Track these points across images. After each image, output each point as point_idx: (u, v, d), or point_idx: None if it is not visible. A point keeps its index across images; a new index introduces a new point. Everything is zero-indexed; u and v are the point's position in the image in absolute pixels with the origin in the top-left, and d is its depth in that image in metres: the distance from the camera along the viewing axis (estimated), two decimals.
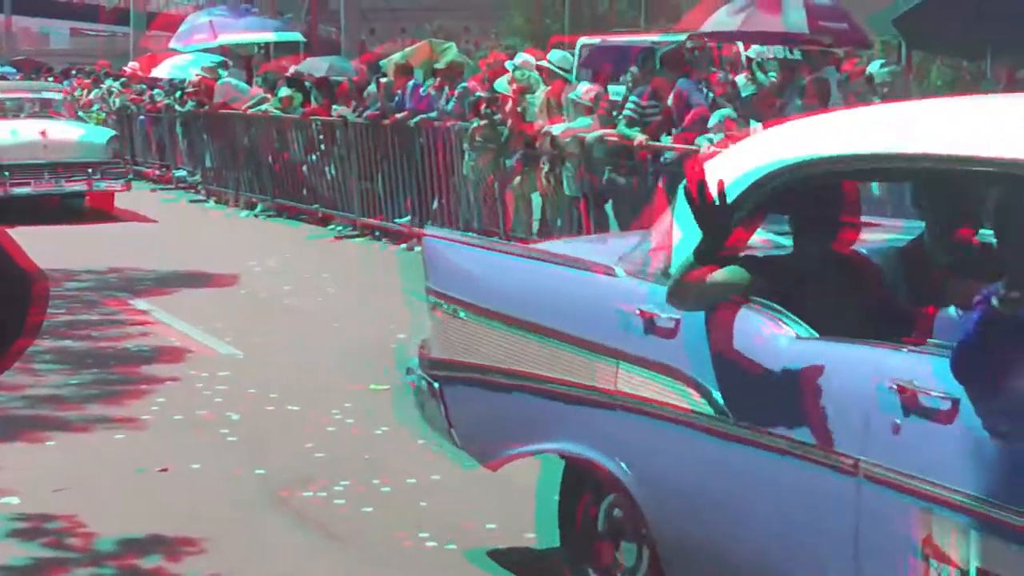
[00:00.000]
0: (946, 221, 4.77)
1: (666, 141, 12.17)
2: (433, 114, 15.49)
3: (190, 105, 22.21)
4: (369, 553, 6.22)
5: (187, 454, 7.67)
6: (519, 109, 13.87)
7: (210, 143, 21.82)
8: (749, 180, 4.42)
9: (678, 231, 4.66)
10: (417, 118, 15.71)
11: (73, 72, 33.54)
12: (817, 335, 4.20)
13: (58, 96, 22.17)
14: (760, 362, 4.24)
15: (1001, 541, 3.54)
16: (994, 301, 3.49)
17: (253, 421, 8.40)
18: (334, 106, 17.82)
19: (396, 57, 18.19)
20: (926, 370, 3.77)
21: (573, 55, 17.82)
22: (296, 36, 29.81)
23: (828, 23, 16.11)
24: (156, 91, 25.34)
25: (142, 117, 25.42)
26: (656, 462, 4.69)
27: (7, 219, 3.00)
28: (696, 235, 4.36)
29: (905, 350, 3.96)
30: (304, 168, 18.64)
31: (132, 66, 31.98)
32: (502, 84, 14.54)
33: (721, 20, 15.59)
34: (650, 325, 4.65)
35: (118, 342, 10.76)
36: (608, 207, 12.93)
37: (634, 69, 13.90)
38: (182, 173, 23.35)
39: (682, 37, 15.59)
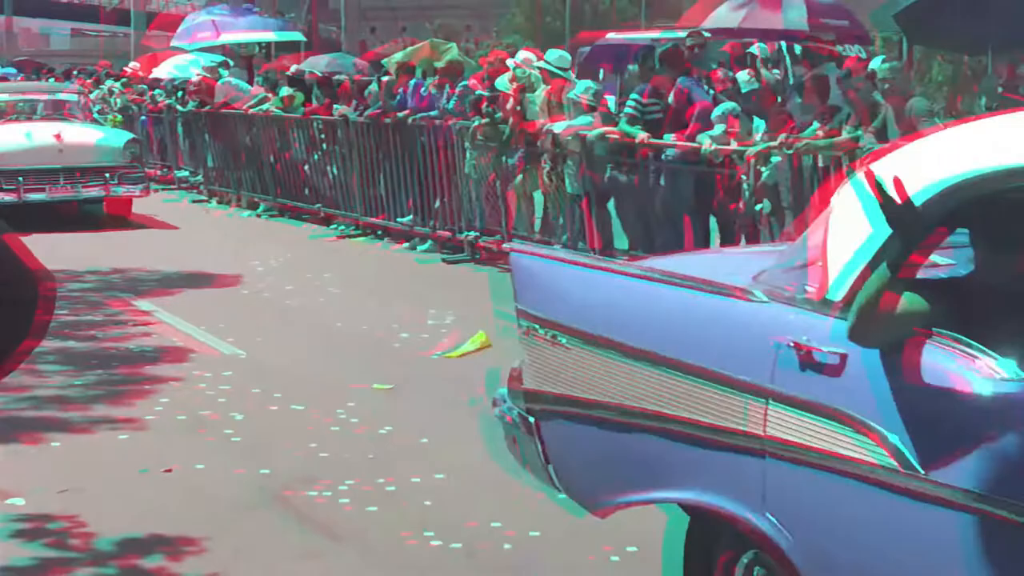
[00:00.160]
0: None
1: (667, 139, 12.17)
2: (434, 112, 15.49)
3: (191, 105, 22.20)
4: (373, 552, 6.22)
5: (191, 454, 7.67)
6: (519, 107, 13.87)
7: (212, 143, 21.83)
8: (938, 188, 3.81)
9: (842, 246, 4.06)
10: (416, 116, 15.70)
11: (74, 73, 33.53)
12: None
13: (73, 97, 21.34)
14: (959, 406, 3.65)
15: None
16: None
17: (257, 421, 8.41)
18: (335, 105, 17.82)
19: (397, 57, 18.19)
20: None
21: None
22: (297, 36, 29.83)
23: (828, 20, 16.12)
24: (157, 91, 25.33)
25: (143, 117, 25.42)
26: (818, 518, 4.05)
27: (22, 227, 2.96)
28: (867, 251, 3.88)
29: None
30: (306, 167, 18.65)
31: (133, 66, 31.97)
32: (503, 82, 14.54)
33: (721, 17, 15.60)
34: (808, 360, 3.99)
35: (121, 343, 10.77)
36: (610, 205, 12.93)
37: (632, 68, 13.91)
38: (184, 173, 23.35)
39: (683, 34, 15.59)
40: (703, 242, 11.83)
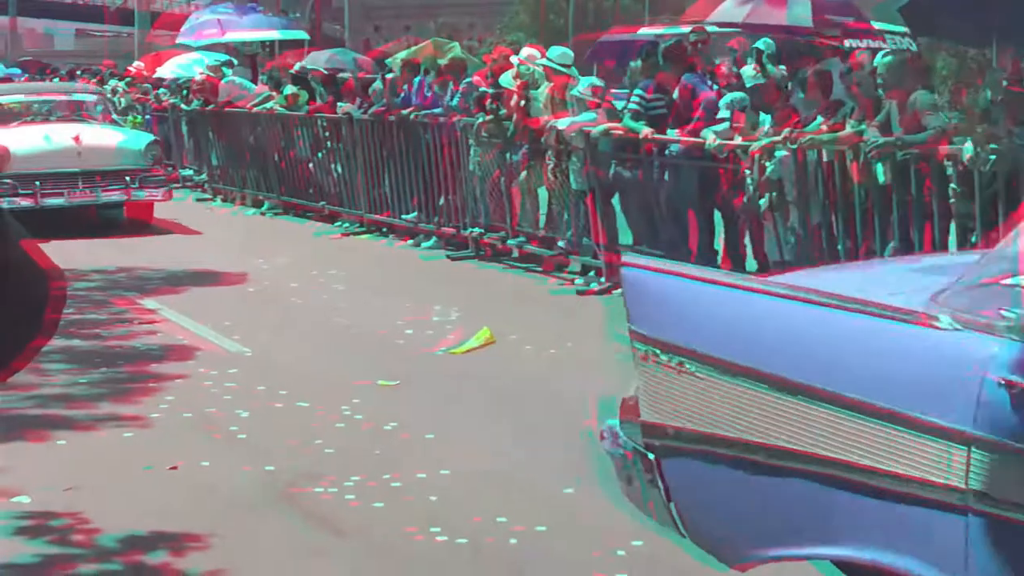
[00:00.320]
0: None
1: (672, 134, 12.16)
2: (438, 110, 15.49)
3: (196, 104, 22.21)
4: (379, 548, 6.22)
5: (196, 452, 7.67)
6: (523, 104, 13.86)
7: (216, 142, 21.84)
8: None
9: None
10: (416, 112, 15.69)
11: (78, 73, 33.54)
12: None
13: (92, 98, 20.43)
14: None
15: None
16: None
17: (262, 418, 8.41)
18: (339, 103, 17.83)
19: (401, 56, 18.18)
20: None
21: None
22: (301, 34, 29.88)
23: (833, 16, 16.10)
24: (161, 90, 25.36)
25: (148, 116, 25.45)
26: None
27: (40, 233, 2.94)
28: None
29: None
30: (310, 165, 18.65)
31: (137, 66, 32.01)
32: (507, 79, 14.53)
33: (726, 12, 15.58)
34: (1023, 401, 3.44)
35: (126, 341, 10.78)
36: (615, 200, 12.93)
37: (634, 64, 13.90)
38: (188, 172, 23.37)
39: (686, 30, 15.58)
40: (708, 237, 11.82)
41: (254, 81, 22.75)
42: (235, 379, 9.39)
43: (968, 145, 9.15)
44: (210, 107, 21.52)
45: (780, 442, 3.97)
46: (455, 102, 15.31)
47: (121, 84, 28.53)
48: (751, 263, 11.38)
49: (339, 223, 17.72)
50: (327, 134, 18.05)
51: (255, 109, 20.06)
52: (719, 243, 11.83)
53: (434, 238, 15.68)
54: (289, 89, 19.53)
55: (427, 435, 7.98)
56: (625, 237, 12.84)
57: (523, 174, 14.17)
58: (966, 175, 9.26)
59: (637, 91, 12.67)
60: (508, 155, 14.27)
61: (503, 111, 14.13)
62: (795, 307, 4.12)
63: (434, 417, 8.38)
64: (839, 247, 10.30)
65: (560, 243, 13.70)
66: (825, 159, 10.34)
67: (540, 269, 13.92)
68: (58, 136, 17.79)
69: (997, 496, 3.49)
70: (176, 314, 11.81)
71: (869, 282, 4.74)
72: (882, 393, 3.72)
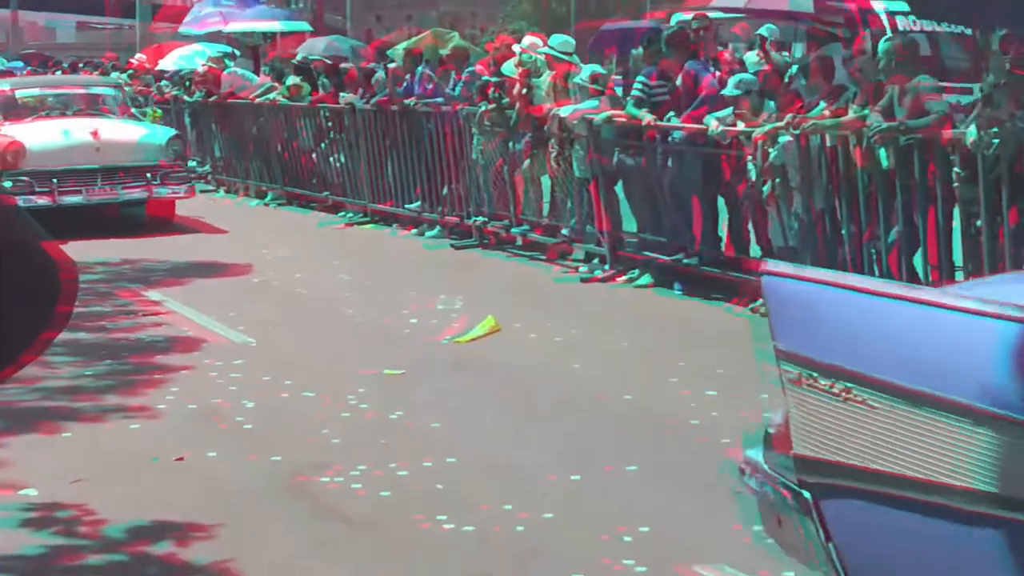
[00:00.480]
0: None
1: (675, 121, 12.14)
2: (439, 99, 15.48)
3: (198, 95, 22.20)
4: (387, 537, 6.23)
5: (202, 442, 7.68)
6: (525, 92, 13.85)
7: (219, 133, 21.84)
8: None
9: None
10: (416, 101, 15.68)
11: (80, 65, 33.52)
12: None
13: (110, 91, 19.49)
14: None
15: None
16: None
17: (268, 408, 8.42)
18: (342, 93, 17.82)
19: (402, 47, 18.15)
20: None
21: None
22: (303, 25, 29.87)
23: (835, 1, 16.10)
24: (164, 82, 25.34)
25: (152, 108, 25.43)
26: None
27: (58, 233, 2.91)
28: None
29: None
30: (313, 156, 18.65)
31: (139, 58, 31.98)
32: (509, 68, 14.53)
33: None
34: None
35: (132, 333, 10.79)
36: (619, 188, 12.92)
37: (635, 51, 13.88)
38: (192, 164, 23.35)
39: (688, 17, 15.57)
40: (712, 224, 11.82)
41: (256, 72, 22.74)
42: (240, 370, 9.40)
43: (971, 129, 9.14)
44: (213, 98, 21.51)
45: (977, 484, 3.38)
46: (457, 91, 15.30)
47: (123, 77, 28.52)
48: (755, 249, 11.38)
49: (343, 213, 17.72)
50: (330, 124, 18.05)
51: (258, 100, 20.06)
52: (723, 230, 11.83)
53: (438, 227, 15.68)
54: (291, 80, 19.52)
55: (433, 424, 7.99)
56: (629, 224, 12.85)
57: (526, 162, 14.17)
58: (969, 159, 9.25)
59: (640, 78, 12.65)
60: (511, 143, 14.26)
61: (506, 100, 14.13)
62: (992, 325, 3.42)
63: (439, 406, 8.39)
64: (843, 232, 10.29)
65: (564, 231, 13.70)
66: (828, 144, 10.33)
67: (544, 257, 13.92)
68: (76, 131, 17.05)
69: None
70: (181, 305, 11.82)
71: None
72: None
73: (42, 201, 15.91)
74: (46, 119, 17.62)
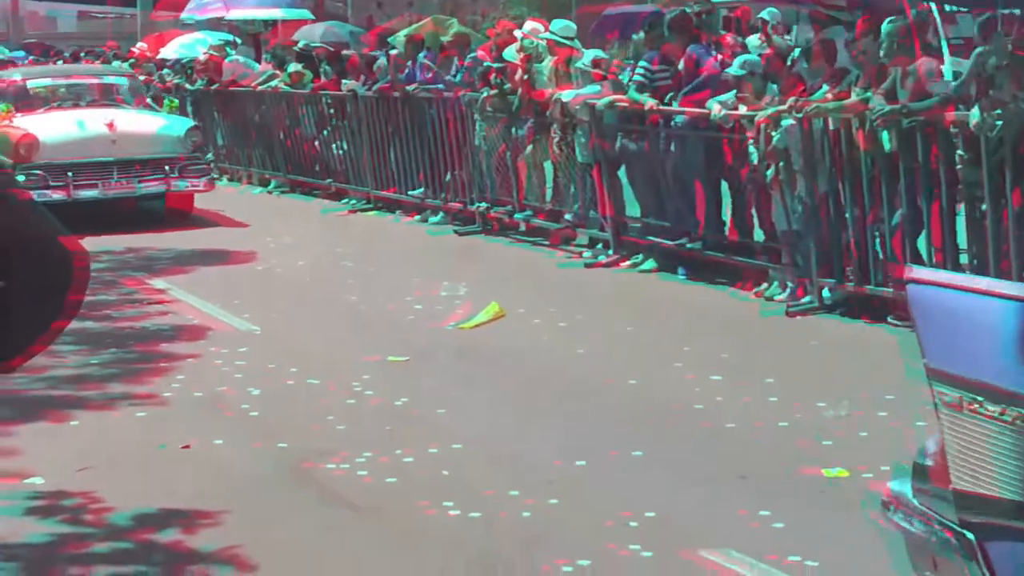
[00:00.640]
0: None
1: (677, 106, 12.13)
2: (440, 85, 15.47)
3: (200, 84, 22.18)
4: (393, 523, 6.24)
5: (208, 430, 7.70)
6: (527, 78, 13.84)
7: (221, 121, 21.82)
8: None
9: None
10: (417, 86, 15.66)
11: (82, 55, 33.50)
12: None
13: (124, 80, 18.83)
14: None
15: None
16: None
17: (273, 396, 8.43)
18: (344, 80, 17.80)
19: (403, 34, 18.12)
20: None
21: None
22: (304, 13, 29.80)
23: None
24: (165, 70, 25.32)
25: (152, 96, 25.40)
26: None
27: (75, 228, 2.86)
28: None
29: None
30: (316, 143, 18.65)
31: (140, 47, 31.93)
32: (511, 53, 14.50)
33: None
34: None
35: (137, 321, 10.80)
36: (622, 173, 12.91)
37: (636, 36, 13.84)
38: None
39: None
40: (715, 208, 11.81)
41: (257, 60, 22.72)
42: (245, 357, 9.41)
43: (974, 111, 9.12)
44: (214, 87, 21.50)
45: None
46: (458, 78, 15.29)
47: (125, 65, 28.50)
48: (759, 234, 11.38)
49: (346, 200, 17.72)
50: (332, 111, 18.03)
51: (260, 88, 20.05)
52: (726, 214, 11.82)
53: (441, 213, 15.67)
54: (293, 67, 19.50)
55: (438, 410, 8.00)
56: (632, 209, 12.84)
57: (529, 148, 14.16)
58: (973, 141, 9.24)
59: (642, 63, 12.63)
60: (513, 129, 14.25)
61: (507, 85, 14.12)
62: None
63: (444, 392, 8.40)
64: (847, 215, 10.28)
65: (567, 216, 13.70)
66: (831, 128, 10.31)
67: (547, 242, 13.92)
68: (91, 123, 16.43)
69: None
70: (185, 294, 11.83)
71: None
72: None
73: (56, 196, 15.29)
74: (59, 110, 17.04)
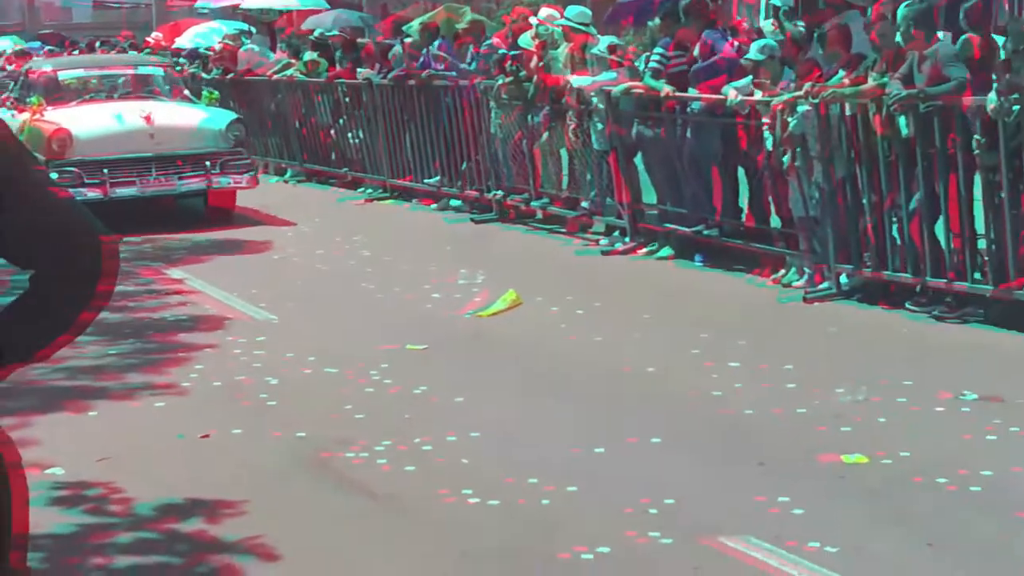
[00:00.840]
0: None
1: (693, 91, 12.11)
2: (453, 72, 15.46)
3: (215, 73, 22.20)
4: (412, 511, 6.25)
5: (227, 419, 7.72)
6: (542, 64, 13.83)
7: (237, 110, 21.80)
8: None
9: None
10: (434, 73, 15.65)
11: (97, 44, 33.55)
12: None
13: (159, 71, 18.00)
14: None
15: None
16: None
17: (291, 385, 8.45)
18: (359, 69, 17.80)
19: (417, 22, 18.10)
20: None
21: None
22: (320, 2, 29.77)
23: None
24: (181, 59, 25.34)
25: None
26: None
27: (113, 227, 2.85)
28: None
29: None
30: (332, 132, 18.65)
31: (155, 36, 31.99)
32: (526, 40, 14.49)
33: None
34: None
35: (155, 312, 10.83)
36: (638, 160, 12.91)
37: (651, 23, 13.82)
38: None
39: None
40: (732, 195, 11.80)
41: (273, 49, 22.72)
42: (263, 347, 9.43)
43: (991, 95, 9.09)
44: (230, 76, 21.51)
45: None
46: (474, 65, 15.28)
47: (140, 56, 28.53)
48: (775, 220, 11.37)
49: (362, 189, 17.73)
50: (348, 100, 18.03)
51: (275, 77, 20.06)
52: (743, 200, 11.81)
53: (458, 201, 15.68)
54: (308, 56, 19.50)
55: (456, 398, 8.01)
56: (648, 196, 12.84)
57: (544, 135, 14.15)
58: (990, 126, 9.21)
59: (658, 48, 12.61)
60: (529, 116, 14.24)
61: (523, 72, 14.10)
62: None
63: (463, 380, 8.41)
64: (864, 201, 10.27)
65: (584, 204, 13.69)
66: (848, 113, 10.29)
67: (564, 230, 13.93)
68: (127, 116, 15.54)
69: None
70: (203, 283, 11.86)
71: None
72: None
73: (92, 194, 14.48)
74: (93, 103, 16.23)
